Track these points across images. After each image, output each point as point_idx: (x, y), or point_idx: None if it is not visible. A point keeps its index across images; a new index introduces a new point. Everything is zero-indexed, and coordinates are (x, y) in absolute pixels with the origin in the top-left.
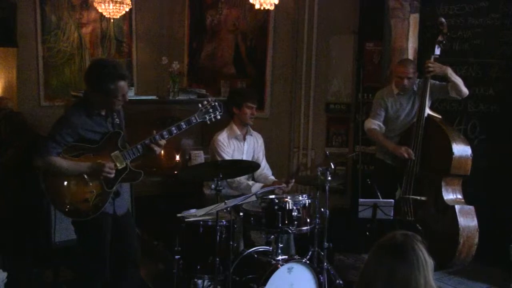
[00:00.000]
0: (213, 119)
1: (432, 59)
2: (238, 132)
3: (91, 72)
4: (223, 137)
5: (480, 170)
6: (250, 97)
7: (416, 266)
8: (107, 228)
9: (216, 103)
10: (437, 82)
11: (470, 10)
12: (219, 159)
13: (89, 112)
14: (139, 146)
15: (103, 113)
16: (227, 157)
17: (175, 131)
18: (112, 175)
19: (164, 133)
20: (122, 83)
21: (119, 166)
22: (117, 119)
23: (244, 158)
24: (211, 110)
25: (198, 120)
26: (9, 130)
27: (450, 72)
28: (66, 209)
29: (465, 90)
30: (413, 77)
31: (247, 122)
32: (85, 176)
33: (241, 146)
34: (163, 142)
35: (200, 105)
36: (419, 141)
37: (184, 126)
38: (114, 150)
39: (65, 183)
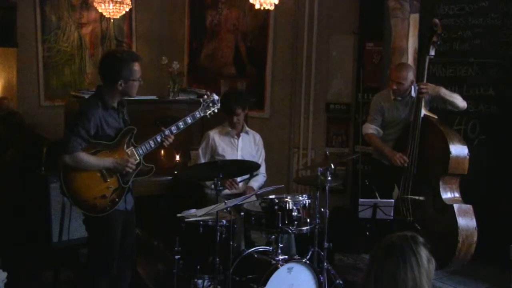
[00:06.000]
0: (212, 113)
1: (427, 60)
2: (229, 129)
3: (106, 62)
4: (213, 132)
5: (480, 170)
6: (233, 111)
7: (402, 267)
8: (118, 225)
9: (215, 97)
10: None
11: (470, 10)
12: (200, 153)
13: (105, 104)
14: (151, 142)
15: (115, 105)
16: (203, 159)
17: (182, 126)
18: (132, 170)
19: (173, 128)
20: (137, 65)
21: (135, 161)
22: (126, 116)
23: (239, 154)
24: (211, 105)
25: (201, 115)
26: (8, 130)
27: (443, 92)
28: (85, 205)
29: (462, 105)
30: (405, 84)
31: (235, 126)
32: (104, 172)
33: (234, 142)
34: (172, 137)
35: (201, 100)
36: (416, 141)
37: (189, 121)
38: (129, 146)
39: (85, 180)
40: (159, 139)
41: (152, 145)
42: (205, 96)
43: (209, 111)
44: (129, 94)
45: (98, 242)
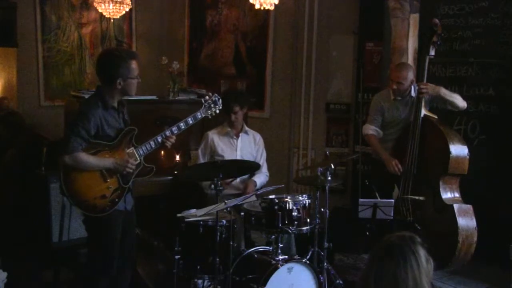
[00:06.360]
0: (214, 114)
1: (427, 60)
2: (228, 129)
3: (102, 61)
4: (212, 133)
5: (480, 170)
6: (231, 109)
7: (402, 267)
8: (118, 225)
9: (216, 98)
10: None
11: (470, 10)
12: (200, 153)
13: (105, 104)
14: (151, 143)
15: (115, 105)
16: (202, 159)
17: (183, 127)
18: (132, 171)
19: (174, 128)
20: (134, 63)
21: (135, 162)
22: (126, 116)
23: (238, 154)
24: (212, 105)
25: (203, 116)
26: (8, 130)
27: (443, 92)
28: (84, 205)
29: (462, 105)
30: (405, 83)
31: (234, 125)
32: (104, 172)
33: (233, 142)
34: (173, 137)
35: (203, 100)
36: (416, 141)
37: (190, 122)
38: (129, 147)
39: (85, 180)
40: (160, 140)
41: (153, 146)
42: (207, 97)
43: (211, 112)
44: (128, 92)
45: (98, 242)
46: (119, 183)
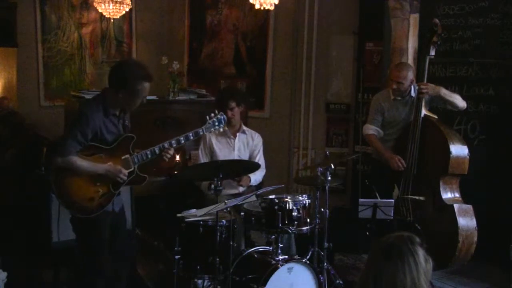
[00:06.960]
0: (217, 132)
1: (427, 60)
2: (225, 128)
3: (119, 71)
4: (210, 133)
5: (480, 170)
6: (227, 105)
7: (400, 268)
8: (105, 226)
9: (222, 117)
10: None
11: (470, 10)
12: (200, 153)
13: (106, 110)
14: (148, 152)
15: (117, 113)
16: (203, 159)
17: (182, 141)
18: (124, 180)
19: (173, 142)
20: (147, 85)
21: (128, 170)
22: (127, 122)
23: (235, 153)
24: (217, 124)
25: (205, 132)
26: (8, 130)
27: (443, 92)
28: (72, 206)
29: (462, 105)
30: (405, 83)
31: (231, 123)
32: (96, 176)
33: (230, 142)
34: (171, 150)
35: (207, 117)
36: (416, 141)
37: (191, 137)
38: (125, 154)
39: (75, 182)
40: (157, 151)
41: (149, 156)
42: (212, 114)
43: (214, 129)
44: (128, 107)
45: (85, 243)
46: (109, 188)
